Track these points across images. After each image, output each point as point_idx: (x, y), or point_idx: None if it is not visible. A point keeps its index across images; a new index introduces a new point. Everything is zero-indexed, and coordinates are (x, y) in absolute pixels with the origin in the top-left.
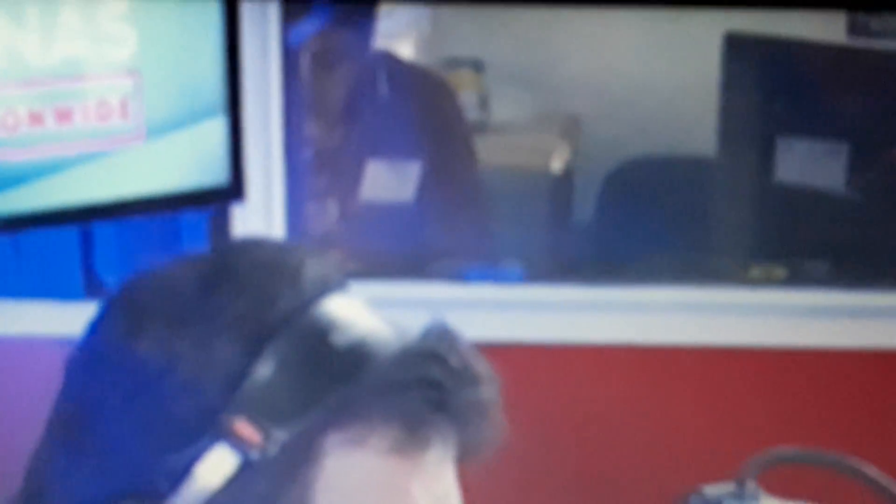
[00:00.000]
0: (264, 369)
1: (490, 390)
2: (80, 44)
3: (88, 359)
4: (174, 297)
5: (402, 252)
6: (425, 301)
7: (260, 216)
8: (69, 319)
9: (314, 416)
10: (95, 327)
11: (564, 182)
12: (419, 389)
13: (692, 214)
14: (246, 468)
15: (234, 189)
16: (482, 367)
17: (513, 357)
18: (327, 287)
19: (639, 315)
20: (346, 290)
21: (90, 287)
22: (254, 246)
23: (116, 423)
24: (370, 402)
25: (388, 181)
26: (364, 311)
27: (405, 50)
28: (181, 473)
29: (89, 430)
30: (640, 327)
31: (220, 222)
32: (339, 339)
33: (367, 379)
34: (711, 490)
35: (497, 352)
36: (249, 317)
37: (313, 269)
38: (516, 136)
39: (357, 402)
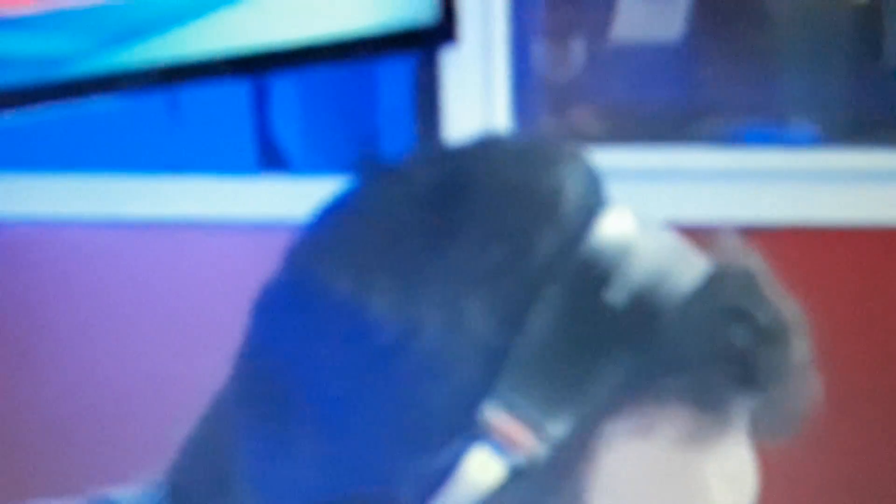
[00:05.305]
0: (529, 341)
1: (803, 347)
2: None
3: (291, 308)
4: (403, 239)
5: (663, 108)
6: (691, 171)
7: (477, 62)
8: (240, 198)
9: (593, 402)
10: (293, 273)
11: (871, 15)
12: (721, 363)
13: None
14: (511, 475)
15: (443, 28)
16: (792, 311)
17: (804, 242)
18: (592, 211)
19: None
20: (611, 204)
21: (266, 159)
22: (492, 155)
23: (337, 407)
24: (661, 379)
25: (649, 14)
26: (639, 237)
27: None
28: (428, 482)
29: (297, 408)
30: None
31: (427, 73)
32: (616, 293)
33: (657, 348)
34: None
35: (782, 236)
36: (504, 269)
37: (574, 184)
38: None
39: (646, 381)
